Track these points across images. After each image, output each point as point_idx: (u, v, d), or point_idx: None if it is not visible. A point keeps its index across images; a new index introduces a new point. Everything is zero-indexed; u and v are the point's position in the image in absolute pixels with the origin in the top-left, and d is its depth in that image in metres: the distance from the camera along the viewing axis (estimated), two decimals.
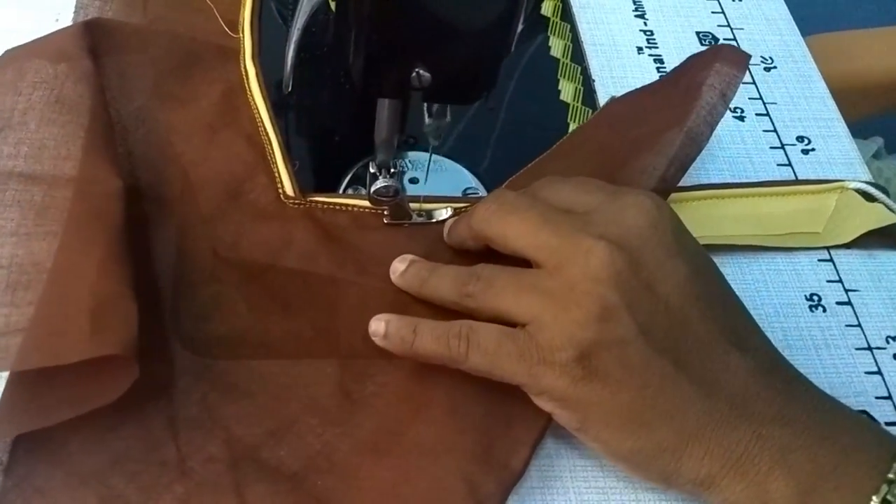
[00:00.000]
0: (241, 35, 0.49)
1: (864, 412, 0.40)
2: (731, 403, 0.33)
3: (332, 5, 0.47)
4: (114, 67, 0.45)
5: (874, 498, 0.31)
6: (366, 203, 0.43)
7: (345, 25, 0.35)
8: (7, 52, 0.43)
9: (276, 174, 0.43)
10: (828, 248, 0.46)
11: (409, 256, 0.40)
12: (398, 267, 0.40)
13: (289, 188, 0.43)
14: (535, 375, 0.34)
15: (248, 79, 0.47)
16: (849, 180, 0.47)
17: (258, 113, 0.46)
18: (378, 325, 0.37)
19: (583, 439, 0.35)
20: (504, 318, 0.35)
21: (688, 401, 0.33)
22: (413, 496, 0.34)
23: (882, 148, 0.85)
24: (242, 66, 0.48)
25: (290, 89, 0.38)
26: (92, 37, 0.44)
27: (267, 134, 0.45)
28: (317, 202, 0.43)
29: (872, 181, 0.48)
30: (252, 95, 0.46)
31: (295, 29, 0.37)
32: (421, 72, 0.33)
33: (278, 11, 0.53)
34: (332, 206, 0.43)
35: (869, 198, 0.46)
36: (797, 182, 0.47)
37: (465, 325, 0.35)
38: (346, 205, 0.43)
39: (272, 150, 0.44)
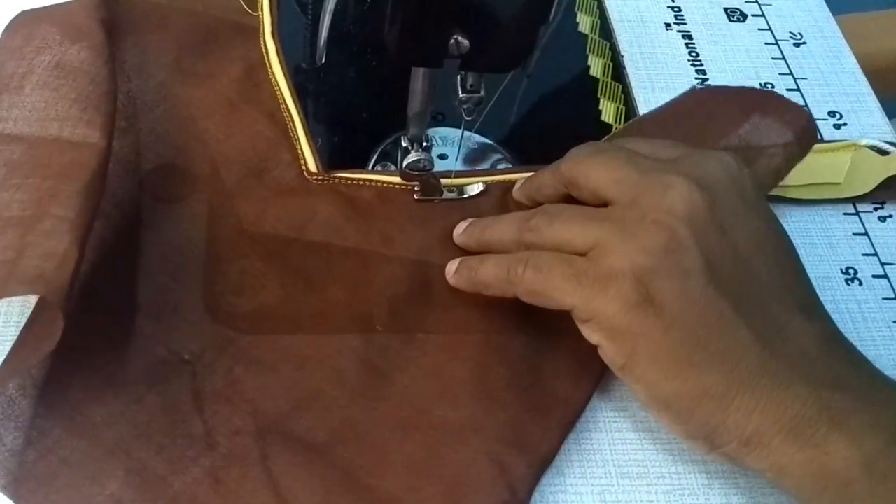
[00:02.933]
0: (260, 12, 0.48)
1: None
2: (790, 362, 0.32)
3: None
4: (135, 44, 0.45)
5: None
6: (389, 178, 0.43)
7: None
8: (22, 12, 0.43)
9: (299, 150, 0.43)
10: (862, 223, 0.45)
11: (471, 218, 0.40)
12: (460, 226, 0.40)
13: (311, 164, 0.43)
14: (587, 297, 0.33)
15: (268, 56, 0.47)
16: (860, 138, 0.47)
17: (279, 89, 0.45)
18: (451, 265, 0.38)
19: (626, 379, 0.34)
20: (566, 247, 0.35)
21: (743, 348, 0.32)
22: (442, 473, 0.34)
23: None
24: (262, 43, 0.47)
25: (323, 60, 0.37)
26: (108, 10, 0.44)
27: (289, 110, 0.45)
28: (340, 178, 0.43)
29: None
30: (273, 72, 0.46)
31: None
32: (459, 38, 0.33)
33: (296, 1, 0.52)
34: (355, 182, 0.43)
35: (882, 153, 0.46)
36: None
37: (528, 252, 0.35)
38: (370, 180, 0.43)
39: (294, 126, 0.44)
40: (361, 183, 0.43)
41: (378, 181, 0.43)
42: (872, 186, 0.46)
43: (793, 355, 0.32)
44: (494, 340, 0.37)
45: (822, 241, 0.45)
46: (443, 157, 0.46)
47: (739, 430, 0.32)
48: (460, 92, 0.36)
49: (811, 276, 0.43)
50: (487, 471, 0.34)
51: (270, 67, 0.46)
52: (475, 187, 0.43)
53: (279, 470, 0.33)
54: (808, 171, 0.45)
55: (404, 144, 0.40)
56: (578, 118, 0.49)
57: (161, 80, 0.45)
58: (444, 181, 0.43)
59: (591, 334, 0.34)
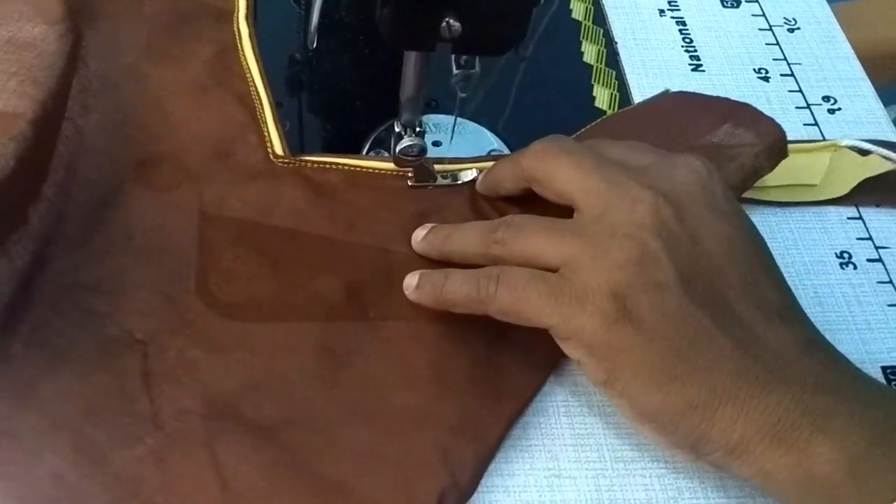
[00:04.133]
0: None
1: None
2: (770, 367, 0.31)
3: None
4: (107, 24, 0.46)
5: None
6: (358, 162, 0.42)
7: None
8: None
9: (266, 133, 0.43)
10: (857, 206, 0.45)
11: (430, 224, 0.40)
12: (419, 233, 0.39)
13: (278, 147, 0.43)
14: (566, 315, 0.32)
15: (241, 39, 0.47)
16: (841, 139, 0.46)
17: (250, 73, 0.46)
18: (412, 279, 0.37)
19: (609, 395, 0.34)
20: (534, 262, 0.34)
21: (723, 357, 0.31)
22: (389, 459, 0.34)
23: None
24: (235, 26, 0.47)
25: (314, 45, 0.37)
26: None
27: (258, 94, 0.45)
28: (307, 161, 0.43)
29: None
30: (244, 55, 0.46)
31: None
32: (451, 21, 0.33)
33: None
34: (322, 165, 0.43)
35: (863, 153, 0.46)
36: (791, 141, 0.46)
37: (497, 267, 0.35)
38: (337, 163, 0.43)
39: (262, 109, 0.44)
40: (328, 167, 0.43)
41: (344, 164, 0.43)
42: (850, 188, 0.45)
43: (772, 360, 0.32)
44: (454, 328, 0.37)
45: (816, 226, 0.45)
46: (436, 143, 0.46)
47: (724, 438, 0.31)
48: (454, 68, 0.36)
49: (805, 260, 0.43)
50: (432, 458, 0.34)
51: (242, 51, 0.46)
52: (469, 173, 0.43)
53: (224, 452, 0.33)
54: (784, 172, 0.44)
55: (397, 130, 0.40)
56: (572, 105, 0.49)
57: (131, 60, 0.45)
58: (437, 167, 0.43)
59: (572, 351, 0.34)
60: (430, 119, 0.47)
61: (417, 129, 0.40)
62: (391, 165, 0.42)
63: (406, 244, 0.40)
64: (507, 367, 0.36)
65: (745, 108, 0.44)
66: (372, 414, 0.35)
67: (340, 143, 0.47)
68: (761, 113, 0.44)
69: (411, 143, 0.40)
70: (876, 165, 0.45)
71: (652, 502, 0.35)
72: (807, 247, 0.44)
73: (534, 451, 0.36)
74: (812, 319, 0.39)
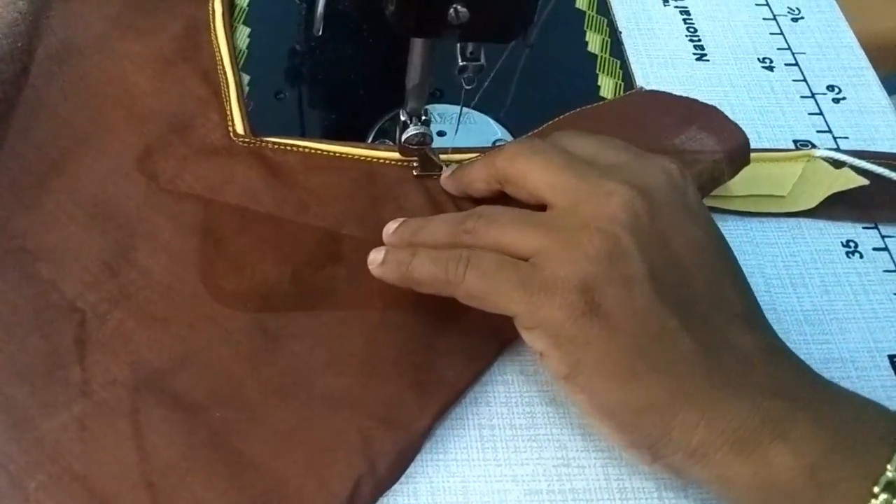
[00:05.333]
0: None
1: None
2: (733, 372, 0.31)
3: None
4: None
5: (888, 467, 0.28)
6: (321, 145, 0.42)
7: None
8: None
9: (229, 111, 0.43)
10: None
11: (402, 218, 0.39)
12: (390, 226, 0.38)
13: (239, 126, 0.43)
14: (533, 304, 0.32)
15: (213, 17, 0.47)
16: (816, 150, 0.45)
17: (219, 51, 0.46)
18: (377, 255, 0.36)
19: (568, 390, 0.33)
20: (505, 252, 0.34)
21: (687, 360, 0.31)
22: (307, 442, 0.34)
23: None
24: (210, 4, 0.48)
25: (320, 32, 0.37)
26: None
27: (224, 72, 0.45)
28: (268, 142, 0.43)
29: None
30: (215, 33, 0.47)
31: None
32: (458, 7, 0.32)
33: None
34: (282, 147, 0.42)
35: (837, 164, 0.45)
36: (764, 150, 0.46)
37: (466, 250, 0.34)
38: (298, 146, 0.43)
39: (227, 88, 0.44)
40: (288, 148, 0.42)
41: (305, 147, 0.42)
42: (818, 201, 0.44)
43: (735, 366, 0.31)
44: (393, 316, 0.37)
45: (822, 214, 0.44)
46: (441, 133, 0.46)
47: (684, 442, 0.31)
48: (460, 60, 0.36)
49: (811, 249, 0.43)
50: (352, 443, 0.34)
51: (214, 28, 0.47)
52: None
53: (147, 424, 0.34)
54: (750, 182, 0.44)
55: (403, 118, 0.40)
56: (577, 94, 0.48)
57: (101, 31, 0.45)
58: (442, 157, 0.42)
59: (535, 342, 0.33)
60: (435, 109, 0.47)
61: (423, 118, 0.40)
62: (361, 151, 0.42)
63: (358, 228, 0.40)
64: (440, 359, 0.36)
65: (712, 111, 0.44)
66: (296, 396, 0.35)
67: (344, 134, 0.46)
68: (726, 118, 0.43)
69: (417, 131, 0.40)
70: (848, 180, 0.44)
71: (661, 490, 0.35)
72: (813, 236, 0.43)
73: (542, 440, 0.36)
74: (819, 309, 0.39)
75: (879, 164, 0.44)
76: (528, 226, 0.34)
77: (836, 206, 0.44)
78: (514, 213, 0.35)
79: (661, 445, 0.31)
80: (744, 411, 0.30)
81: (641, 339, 0.31)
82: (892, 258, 0.43)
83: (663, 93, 0.47)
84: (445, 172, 0.42)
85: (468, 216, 0.35)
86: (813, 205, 0.44)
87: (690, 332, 0.31)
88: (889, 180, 0.44)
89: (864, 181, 0.43)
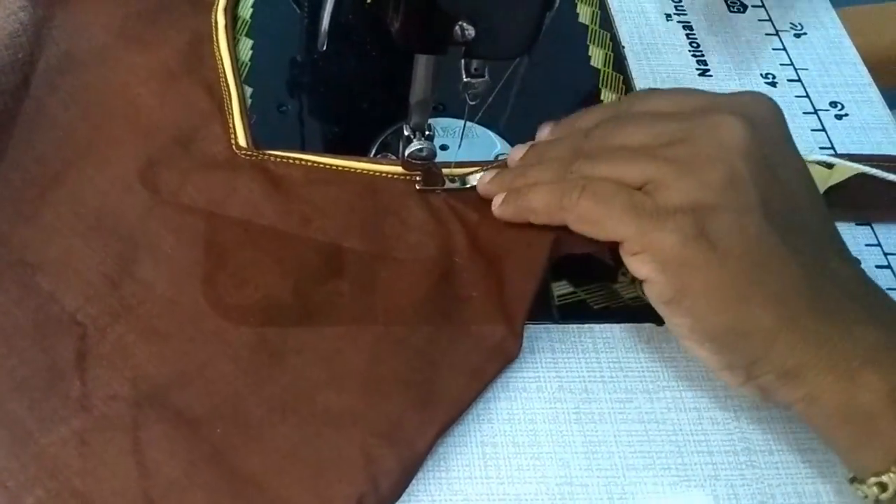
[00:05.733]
0: None
1: None
2: (833, 299, 0.32)
3: None
4: (81, 6, 0.46)
5: None
6: (324, 159, 0.42)
7: None
8: None
9: (231, 124, 0.43)
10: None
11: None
12: (485, 175, 0.40)
13: (242, 139, 0.43)
14: (644, 228, 0.33)
15: (216, 29, 0.47)
16: (810, 154, 0.45)
17: (221, 64, 0.46)
18: (498, 196, 0.38)
19: (671, 313, 0.34)
20: (619, 182, 0.34)
21: (792, 285, 0.32)
22: (309, 460, 0.33)
23: None
24: (213, 17, 0.48)
25: (325, 47, 0.37)
26: None
27: (227, 85, 0.45)
28: (270, 155, 0.42)
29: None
30: (218, 46, 0.46)
31: None
32: (464, 25, 0.32)
33: None
34: (285, 160, 0.42)
35: (829, 167, 0.45)
36: None
37: (583, 177, 0.35)
38: (301, 159, 0.42)
39: (230, 101, 0.44)
40: (291, 162, 0.42)
41: (308, 161, 0.42)
42: None
43: (836, 293, 0.33)
44: (395, 332, 0.37)
45: None
46: (444, 147, 0.46)
47: (780, 362, 0.32)
48: (464, 76, 0.36)
49: None
50: (354, 461, 0.33)
51: (217, 41, 0.47)
52: (477, 177, 0.42)
53: (148, 439, 0.33)
54: None
55: (406, 133, 0.40)
56: (579, 108, 0.48)
57: (104, 42, 0.45)
58: (445, 171, 0.42)
59: (640, 267, 0.33)
60: (438, 123, 0.46)
61: (427, 133, 0.40)
62: (364, 164, 0.42)
63: (360, 242, 0.40)
64: (442, 376, 0.36)
65: None
66: (298, 412, 0.35)
67: (346, 147, 0.46)
68: None
69: (421, 146, 0.39)
70: (842, 173, 0.44)
71: None
72: None
73: (545, 459, 0.36)
74: None
75: (872, 166, 0.45)
76: (640, 156, 0.34)
77: (832, 209, 0.44)
78: (622, 150, 0.35)
79: (758, 366, 0.33)
80: (836, 334, 0.32)
81: (751, 265, 0.32)
82: (894, 276, 0.43)
83: None
84: (449, 185, 0.42)
85: (576, 157, 0.36)
86: None
87: (797, 259, 0.32)
88: (883, 181, 0.45)
89: (858, 168, 0.44)
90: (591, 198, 0.34)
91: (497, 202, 0.38)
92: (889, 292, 0.41)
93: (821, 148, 0.48)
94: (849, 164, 0.45)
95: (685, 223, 0.32)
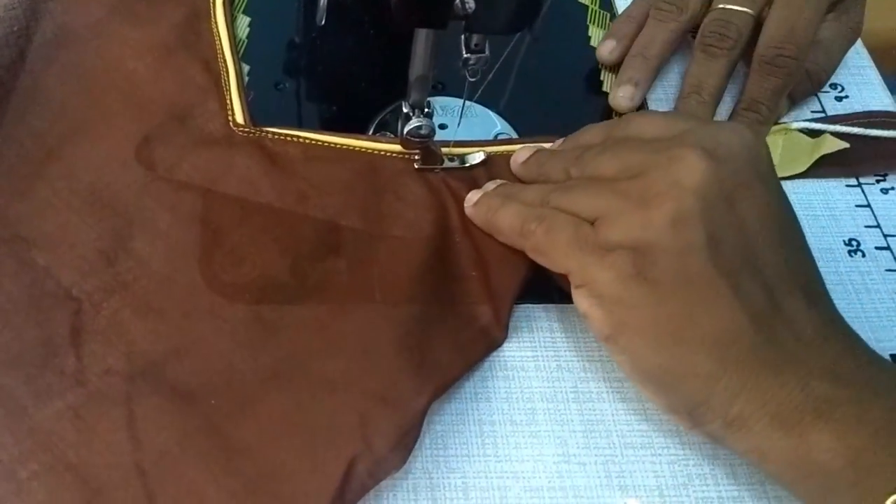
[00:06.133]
0: None
1: None
2: (783, 348, 0.31)
3: None
4: None
5: None
6: (322, 137, 0.42)
7: None
8: None
9: (228, 101, 0.43)
10: (864, 195, 0.45)
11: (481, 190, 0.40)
12: (471, 197, 0.40)
13: (239, 116, 0.42)
14: (583, 262, 0.33)
15: (214, 5, 0.47)
16: (791, 122, 0.46)
17: (219, 40, 0.45)
18: (474, 195, 0.39)
19: (610, 349, 0.34)
20: (579, 216, 0.35)
21: (736, 330, 0.31)
22: (303, 425, 0.33)
23: None
24: None
25: (323, 22, 0.36)
26: None
27: (225, 61, 0.44)
28: (268, 132, 0.42)
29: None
30: (216, 22, 0.46)
31: None
32: None
33: None
34: (282, 137, 0.42)
35: (814, 134, 0.46)
36: None
37: (548, 209, 0.35)
38: (299, 137, 0.42)
39: (227, 77, 0.44)
40: (289, 139, 0.42)
41: (305, 138, 0.42)
42: (806, 167, 0.45)
43: (787, 341, 0.31)
44: (390, 309, 0.37)
45: (824, 213, 0.44)
46: (443, 126, 0.45)
47: (723, 410, 0.31)
48: (464, 52, 0.35)
49: (813, 247, 0.42)
50: (349, 423, 0.33)
51: (214, 17, 0.46)
52: (476, 156, 0.42)
53: (141, 413, 0.33)
54: None
55: (405, 110, 0.39)
56: (579, 89, 0.48)
57: (100, 16, 0.45)
58: (444, 150, 0.42)
59: (581, 300, 0.34)
60: (437, 101, 0.46)
61: (426, 111, 0.39)
62: (362, 143, 0.42)
63: (358, 220, 0.39)
64: (435, 347, 0.36)
65: None
66: (292, 380, 0.35)
67: (344, 125, 0.46)
68: None
69: (420, 123, 0.39)
70: (830, 145, 0.45)
71: (662, 489, 0.34)
72: (815, 234, 0.43)
73: (543, 437, 0.35)
74: None
75: (854, 125, 0.45)
76: (599, 191, 0.35)
77: (820, 168, 0.45)
78: (590, 181, 0.36)
79: (700, 412, 0.32)
80: (787, 387, 0.30)
81: (690, 306, 0.31)
82: (894, 257, 0.43)
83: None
84: (448, 164, 0.42)
85: (554, 188, 0.37)
86: (802, 170, 0.45)
87: (745, 303, 0.31)
88: (865, 137, 0.45)
89: (845, 144, 0.45)
90: (543, 231, 0.35)
91: (471, 200, 0.39)
92: (888, 274, 0.42)
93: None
94: (834, 128, 0.46)
95: (622, 261, 0.32)
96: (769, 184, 0.34)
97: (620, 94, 0.46)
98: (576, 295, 0.34)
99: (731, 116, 0.46)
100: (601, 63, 0.49)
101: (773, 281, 0.32)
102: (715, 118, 0.46)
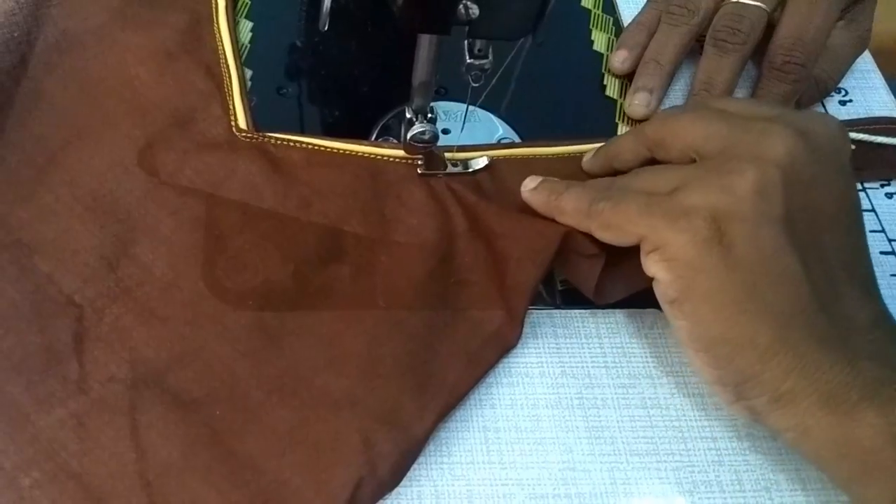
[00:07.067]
0: None
1: None
2: (839, 329, 0.32)
3: None
4: None
5: None
6: (325, 142, 0.42)
7: None
8: None
9: (231, 106, 0.43)
10: (869, 199, 0.45)
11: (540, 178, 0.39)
12: (527, 183, 0.39)
13: (242, 121, 0.42)
14: (657, 226, 0.32)
15: (216, 10, 0.47)
16: None
17: (221, 45, 0.45)
18: (531, 181, 0.38)
19: (672, 315, 0.34)
20: (650, 191, 0.34)
21: (799, 306, 0.31)
22: (307, 442, 0.33)
23: None
24: None
25: (325, 28, 0.36)
26: None
27: (227, 67, 0.44)
28: (271, 137, 0.42)
29: None
30: (218, 27, 0.46)
31: None
32: (469, 4, 0.32)
33: None
34: (285, 142, 0.42)
35: None
36: None
37: (617, 190, 0.35)
38: (302, 142, 0.42)
39: (230, 82, 0.44)
40: (292, 144, 0.42)
41: (308, 143, 0.42)
42: None
43: (843, 323, 0.32)
44: (395, 315, 0.37)
45: None
46: (446, 131, 0.45)
47: (773, 386, 0.31)
48: (468, 57, 0.35)
49: None
50: (352, 444, 0.33)
51: (217, 22, 0.46)
52: (480, 161, 0.42)
53: (145, 421, 0.33)
54: None
55: (408, 115, 0.39)
56: (583, 93, 0.48)
57: (102, 22, 0.45)
58: (447, 155, 0.42)
59: (651, 265, 0.33)
60: (440, 106, 0.46)
61: (429, 116, 0.39)
62: (364, 148, 0.42)
63: (361, 225, 0.39)
64: (441, 362, 0.36)
65: None
66: (296, 395, 0.34)
67: (347, 130, 0.46)
68: None
69: (423, 128, 0.39)
70: None
71: (667, 496, 0.34)
72: None
73: (547, 444, 0.35)
74: None
75: (860, 132, 0.45)
76: (673, 169, 0.35)
77: None
78: (658, 167, 0.36)
79: (749, 386, 0.32)
80: (838, 366, 0.31)
81: (759, 277, 0.31)
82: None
83: None
84: (451, 169, 0.41)
85: (612, 182, 0.37)
86: None
87: (810, 282, 0.32)
88: (870, 143, 0.45)
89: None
90: (612, 205, 0.34)
91: (529, 185, 0.38)
92: (893, 279, 0.42)
93: None
94: None
95: (698, 224, 0.32)
96: (847, 177, 0.34)
97: (636, 102, 0.46)
98: (647, 261, 0.33)
99: None
100: (614, 73, 0.48)
101: (837, 268, 0.33)
102: None
